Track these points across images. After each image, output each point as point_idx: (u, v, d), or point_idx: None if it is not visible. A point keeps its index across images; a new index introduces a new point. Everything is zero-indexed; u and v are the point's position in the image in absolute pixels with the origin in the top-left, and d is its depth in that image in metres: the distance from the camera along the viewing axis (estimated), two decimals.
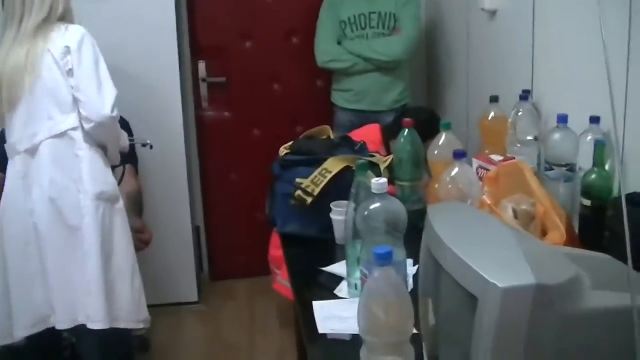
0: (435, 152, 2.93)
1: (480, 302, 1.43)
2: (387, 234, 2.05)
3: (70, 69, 3.32)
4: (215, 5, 5.10)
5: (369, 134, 3.93)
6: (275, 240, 4.00)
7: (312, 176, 2.93)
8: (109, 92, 3.37)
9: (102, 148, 3.50)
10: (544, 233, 2.36)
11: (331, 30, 4.76)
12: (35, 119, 3.33)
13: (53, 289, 3.36)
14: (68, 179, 3.34)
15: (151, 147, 3.99)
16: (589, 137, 2.70)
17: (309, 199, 2.90)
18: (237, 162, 5.35)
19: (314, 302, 2.35)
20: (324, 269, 2.64)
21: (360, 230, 2.13)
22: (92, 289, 3.33)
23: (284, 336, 4.60)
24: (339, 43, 4.75)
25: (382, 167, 3.05)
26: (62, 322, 3.38)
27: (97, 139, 3.44)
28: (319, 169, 2.95)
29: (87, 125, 3.35)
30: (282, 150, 3.20)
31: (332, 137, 3.38)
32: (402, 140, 2.95)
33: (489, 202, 2.45)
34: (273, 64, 5.24)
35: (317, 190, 2.90)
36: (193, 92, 5.24)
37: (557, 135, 2.76)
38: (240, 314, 5.02)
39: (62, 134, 3.34)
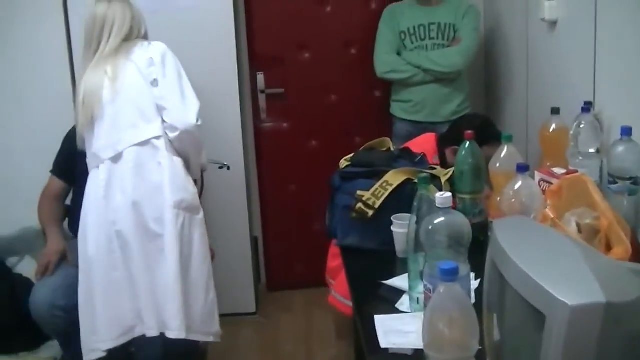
0: (497, 164, 2.91)
1: (548, 320, 1.42)
2: (450, 249, 2.04)
3: (155, 79, 3.43)
4: (273, 16, 5.12)
5: (425, 144, 3.92)
6: (332, 251, 4.00)
7: (373, 189, 2.93)
8: (193, 102, 3.50)
9: (184, 160, 3.55)
10: (608, 247, 2.33)
11: (391, 41, 4.76)
12: (119, 127, 3.40)
13: (141, 296, 3.39)
14: (151, 186, 3.39)
15: (228, 168, 4.05)
16: None
17: (370, 212, 2.90)
18: (295, 173, 5.35)
19: (375, 316, 2.34)
20: (385, 282, 2.63)
21: (424, 244, 2.12)
22: (169, 296, 3.36)
23: (341, 348, 4.59)
24: (398, 54, 4.75)
25: (443, 179, 3.03)
26: (152, 329, 3.39)
27: (180, 148, 3.51)
28: (380, 182, 2.95)
29: (172, 134, 3.44)
30: (343, 162, 3.20)
31: (392, 149, 3.37)
32: (463, 152, 2.93)
33: (552, 215, 2.43)
34: (331, 75, 5.24)
35: (378, 203, 2.90)
36: (252, 103, 5.25)
37: (620, 148, 2.72)
38: (297, 326, 5.01)
39: (145, 142, 3.40)
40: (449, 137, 3.97)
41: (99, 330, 3.40)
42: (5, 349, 4.04)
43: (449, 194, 2.06)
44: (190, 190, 3.52)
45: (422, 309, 2.28)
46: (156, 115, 3.44)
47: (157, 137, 3.42)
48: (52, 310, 3.67)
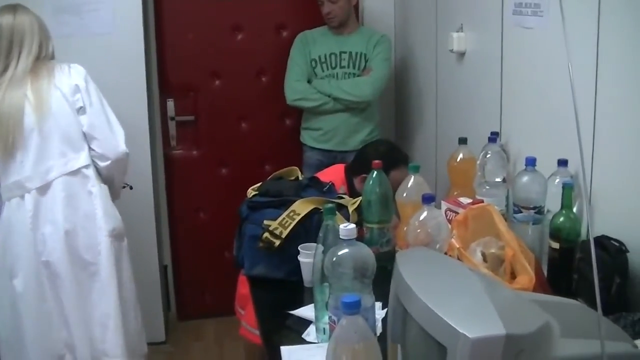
0: (404, 194, 2.91)
1: (449, 352, 1.42)
2: (355, 280, 2.03)
3: (81, 107, 3.39)
4: (185, 43, 5.08)
5: (334, 174, 3.93)
6: (242, 279, 3.97)
7: (280, 218, 2.91)
8: (120, 130, 3.50)
9: (109, 184, 3.55)
10: (513, 276, 2.36)
11: (302, 68, 4.77)
12: (47, 156, 3.34)
13: (72, 326, 3.38)
14: (83, 215, 3.38)
15: (131, 187, 4.01)
16: (557, 180, 2.72)
17: (277, 242, 2.88)
18: (205, 201, 5.31)
19: (282, 348, 2.32)
20: (292, 312, 2.62)
21: (329, 275, 2.11)
22: (110, 324, 3.40)
23: None
24: (309, 82, 4.75)
25: (350, 209, 3.03)
26: (86, 359, 3.42)
27: (108, 175, 3.52)
28: (287, 211, 2.93)
29: (102, 164, 3.45)
30: (250, 192, 3.18)
31: (300, 178, 3.36)
32: (370, 182, 2.93)
33: (458, 245, 2.44)
34: (242, 103, 5.23)
35: (285, 233, 2.87)
36: (162, 130, 5.20)
37: (525, 178, 2.77)
38: (208, 355, 4.97)
39: (75, 172, 3.38)
40: (356, 166, 4.00)
41: None
42: None
43: (353, 226, 2.05)
44: (119, 218, 3.56)
45: (328, 339, 2.25)
46: (83, 143, 3.42)
47: (86, 166, 3.42)
48: None
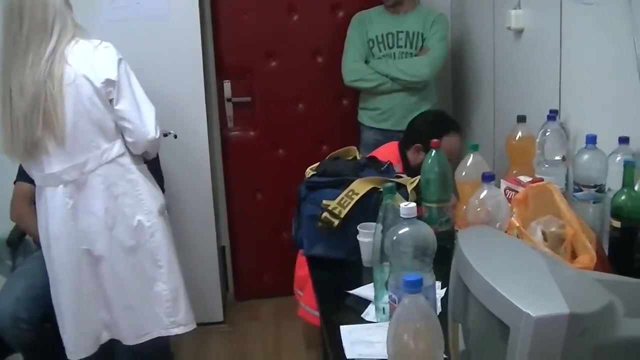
0: (463, 173, 2.91)
1: (512, 331, 1.41)
2: (415, 259, 2.02)
3: (112, 99, 3.33)
4: (240, 25, 5.09)
5: (388, 152, 3.93)
6: (300, 260, 3.98)
7: (338, 198, 2.91)
8: (149, 113, 3.43)
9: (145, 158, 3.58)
10: (573, 256, 2.33)
11: (359, 48, 4.75)
12: (83, 149, 3.33)
13: (113, 308, 3.47)
14: (123, 206, 3.41)
15: (175, 136, 4.01)
16: (618, 158, 2.67)
17: (336, 221, 2.88)
18: (263, 182, 5.33)
19: (341, 327, 2.33)
20: (351, 292, 2.62)
21: (389, 255, 2.11)
22: (180, 296, 3.58)
23: (310, 358, 4.60)
24: (366, 62, 4.74)
25: (409, 188, 3.02)
26: (130, 338, 3.54)
27: (143, 155, 3.54)
28: (346, 191, 2.93)
29: (135, 150, 3.44)
30: (308, 172, 3.19)
31: (358, 158, 3.36)
32: (429, 161, 2.92)
33: (517, 224, 2.42)
34: (298, 84, 5.23)
35: (344, 213, 2.88)
36: (219, 111, 5.24)
37: (586, 156, 2.73)
38: (265, 335, 5.00)
39: (111, 162, 3.38)
40: (408, 137, 4.01)
41: (67, 343, 3.48)
42: None
43: (413, 204, 2.05)
44: (162, 195, 3.62)
45: (387, 319, 2.27)
46: (117, 133, 3.41)
47: (122, 155, 3.42)
48: (16, 322, 3.64)
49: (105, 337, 3.54)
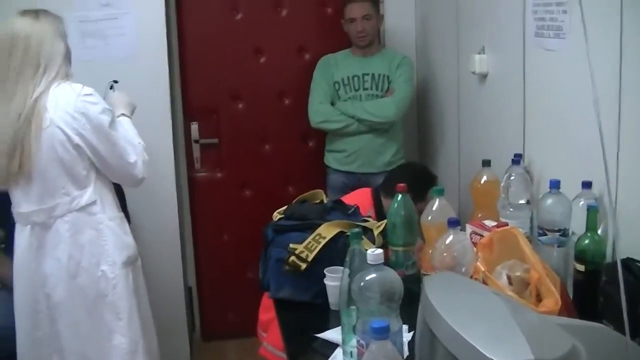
0: (429, 217, 2.93)
1: None
2: (382, 304, 2.04)
3: (78, 143, 3.22)
4: (207, 67, 5.12)
5: (359, 197, 3.95)
6: (264, 304, 3.98)
7: (306, 242, 2.93)
8: (132, 151, 3.39)
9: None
10: (539, 299, 2.36)
11: (325, 90, 4.78)
12: (52, 194, 3.27)
13: (66, 357, 3.38)
14: (88, 255, 3.33)
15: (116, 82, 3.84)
16: (581, 202, 2.72)
17: (303, 265, 2.90)
18: (229, 222, 5.33)
19: None
20: (318, 335, 2.63)
21: (356, 300, 2.13)
22: (138, 350, 3.45)
23: None
24: (332, 104, 4.77)
25: (375, 232, 3.05)
26: None
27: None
28: (313, 235, 2.95)
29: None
30: (276, 215, 3.20)
31: (325, 201, 3.38)
32: (395, 205, 2.95)
33: (483, 268, 2.45)
34: (265, 125, 5.26)
35: (311, 256, 2.89)
36: (186, 152, 5.24)
37: (550, 201, 2.77)
38: None
39: (80, 210, 3.31)
40: (389, 187, 4.03)
41: None
42: None
43: (380, 251, 2.06)
44: (131, 244, 3.51)
45: None
46: (89, 180, 3.33)
47: (92, 203, 3.34)
48: None
49: None
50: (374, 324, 1.63)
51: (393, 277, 2.07)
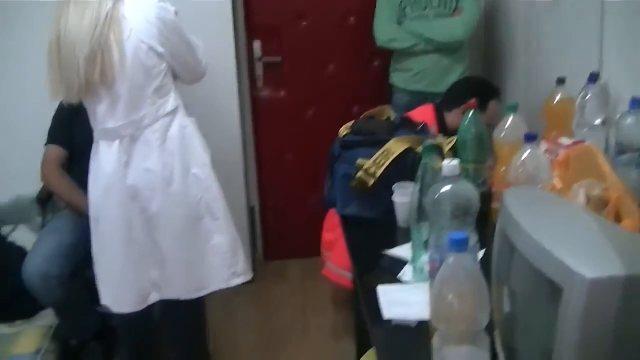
0: (502, 134, 2.84)
1: (565, 293, 1.36)
2: (456, 218, 1.97)
3: (161, 52, 3.23)
4: None
5: (422, 114, 3.89)
6: (328, 223, 3.95)
7: (373, 157, 2.88)
8: (200, 51, 3.49)
9: None
10: (617, 220, 2.28)
11: (391, 10, 4.66)
12: (138, 105, 3.23)
13: (169, 266, 3.40)
14: (178, 160, 3.32)
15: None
16: None
17: (371, 181, 2.85)
18: (292, 142, 5.32)
19: (378, 287, 2.29)
20: (387, 252, 2.58)
21: (429, 214, 2.05)
22: (237, 247, 3.53)
23: (339, 318, 4.57)
24: (398, 23, 4.65)
25: (445, 149, 2.97)
26: (186, 293, 3.46)
27: None
28: (381, 150, 2.89)
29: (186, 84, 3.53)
30: (343, 130, 3.15)
31: (392, 118, 3.31)
32: (466, 121, 2.86)
33: (559, 187, 2.37)
34: (329, 44, 5.19)
35: (378, 172, 2.84)
36: (248, 71, 5.18)
37: (629, 120, 2.66)
38: (293, 295, 4.99)
39: (166, 115, 3.30)
40: (449, 101, 3.96)
41: (109, 298, 3.44)
42: (0, 318, 4.01)
43: (456, 162, 1.98)
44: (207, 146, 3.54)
45: (425, 279, 2.22)
46: (169, 85, 3.33)
47: (176, 108, 3.35)
48: (46, 279, 3.63)
49: (154, 298, 3.45)
50: (452, 235, 1.56)
51: (469, 189, 1.98)
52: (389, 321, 2.12)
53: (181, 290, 3.45)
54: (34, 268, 3.65)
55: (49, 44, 3.16)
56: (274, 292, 5.05)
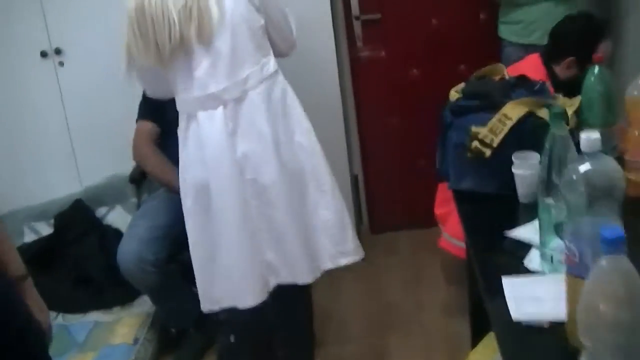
0: (635, 92, 2.49)
1: None
2: (598, 202, 1.63)
3: (259, 6, 3.05)
4: None
5: (531, 66, 3.60)
6: (440, 197, 3.69)
7: (489, 124, 2.57)
8: (292, 19, 3.30)
9: None
10: None
11: None
12: (241, 64, 3.00)
13: (288, 246, 3.14)
14: (284, 126, 3.11)
15: None
16: None
17: (488, 151, 2.55)
18: (396, 105, 5.01)
19: (503, 279, 1.98)
20: (509, 234, 2.28)
21: (565, 197, 1.72)
22: (345, 223, 3.28)
23: (451, 293, 4.31)
24: None
25: (569, 111, 2.64)
26: (308, 274, 3.22)
27: None
28: (497, 116, 2.58)
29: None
30: (453, 94, 2.85)
31: (506, 77, 2.99)
32: (592, 79, 2.57)
33: None
34: None
35: (496, 141, 2.54)
36: (346, 30, 4.91)
37: None
38: (403, 270, 4.72)
39: (269, 77, 3.08)
40: (555, 50, 3.62)
41: (228, 292, 3.15)
42: (98, 304, 3.99)
43: (598, 135, 1.64)
44: None
45: (558, 269, 1.92)
46: (268, 46, 3.13)
47: (277, 70, 3.14)
48: (141, 264, 3.53)
49: (272, 284, 3.19)
50: (606, 232, 1.24)
51: (613, 167, 1.64)
52: (517, 322, 1.81)
53: (300, 272, 3.19)
54: (129, 253, 3.56)
55: (128, 12, 2.93)
56: (383, 268, 4.78)
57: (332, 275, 3.55)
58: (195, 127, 3.04)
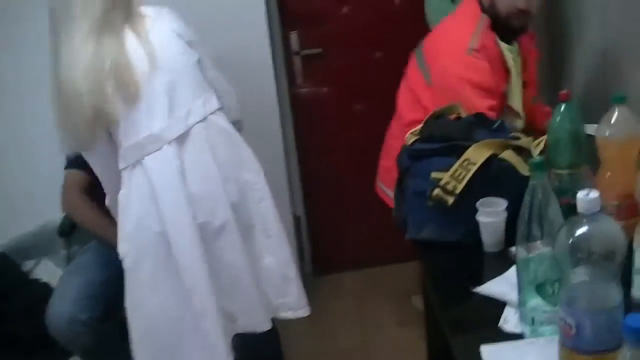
0: (607, 132, 2.33)
1: None
2: (595, 265, 1.46)
3: (198, 59, 2.95)
4: None
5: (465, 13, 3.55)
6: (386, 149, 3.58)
7: (452, 170, 2.42)
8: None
9: None
10: None
11: None
12: (181, 100, 2.82)
13: (245, 291, 2.93)
14: (234, 162, 2.94)
15: None
16: None
17: (451, 199, 2.39)
18: (339, 142, 4.89)
19: (482, 347, 1.79)
20: (477, 290, 2.11)
21: (560, 262, 1.53)
22: (290, 273, 3.09)
23: (404, 335, 4.16)
24: (452, 1, 4.19)
25: (535, 152, 2.51)
26: (266, 321, 3.01)
27: None
28: (460, 161, 2.43)
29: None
30: (410, 137, 2.69)
31: (462, 114, 2.84)
32: (558, 118, 2.40)
33: None
34: (374, 30, 4.74)
35: (459, 188, 2.38)
36: (285, 67, 4.77)
37: None
38: (351, 313, 4.58)
39: (213, 113, 2.91)
40: None
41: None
42: None
43: (597, 195, 1.46)
44: None
45: (540, 332, 1.77)
46: (211, 88, 2.97)
47: (220, 109, 2.96)
48: (73, 325, 3.28)
49: (230, 334, 2.96)
50: (631, 322, 1.05)
51: (613, 230, 1.46)
52: None
53: (257, 319, 2.99)
54: (60, 313, 3.32)
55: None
56: (329, 312, 4.59)
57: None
58: (142, 176, 2.81)
